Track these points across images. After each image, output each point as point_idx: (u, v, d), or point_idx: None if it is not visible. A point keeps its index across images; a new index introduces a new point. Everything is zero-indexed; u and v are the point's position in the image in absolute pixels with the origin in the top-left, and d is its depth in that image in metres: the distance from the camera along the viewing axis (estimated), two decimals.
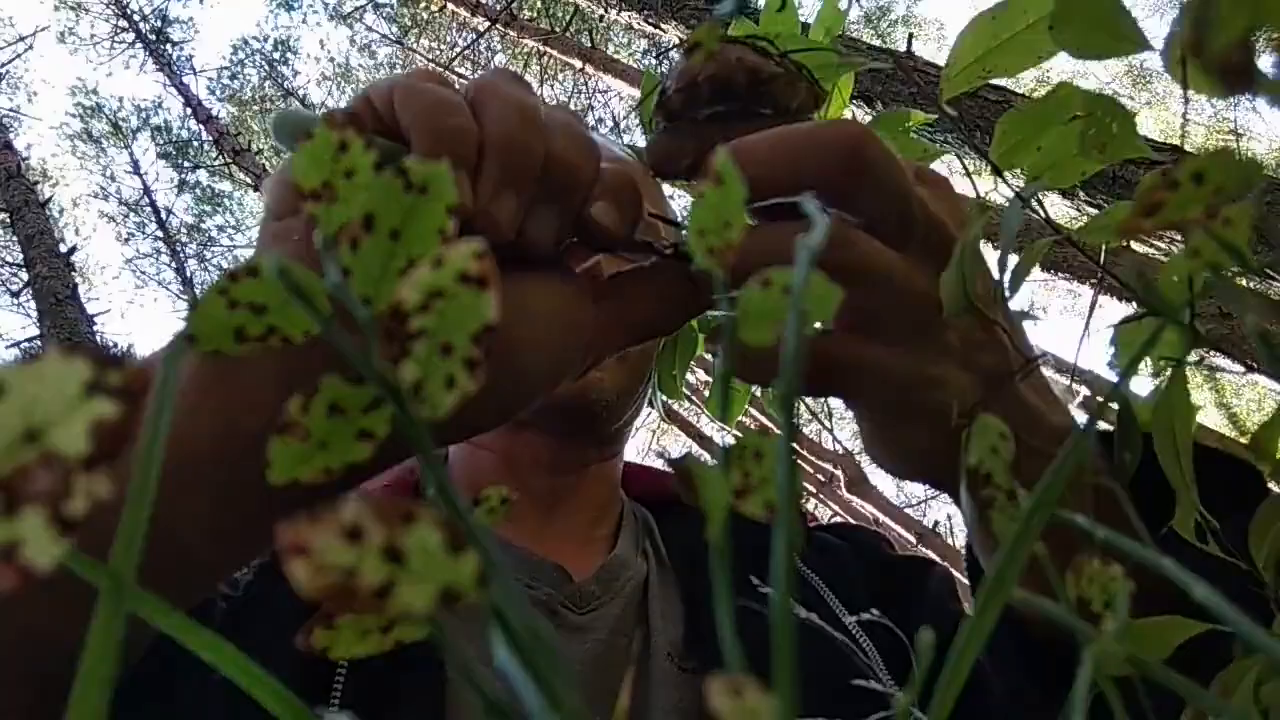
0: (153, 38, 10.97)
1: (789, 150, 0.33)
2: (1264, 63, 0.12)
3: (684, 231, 0.36)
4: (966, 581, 0.49)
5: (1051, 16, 0.45)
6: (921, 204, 0.35)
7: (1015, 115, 0.49)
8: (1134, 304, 0.57)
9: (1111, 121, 0.49)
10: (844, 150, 0.33)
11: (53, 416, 0.11)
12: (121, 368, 0.12)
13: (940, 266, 0.34)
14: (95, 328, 4.91)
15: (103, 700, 0.12)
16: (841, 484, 5.62)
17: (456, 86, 0.34)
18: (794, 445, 0.12)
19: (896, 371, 0.35)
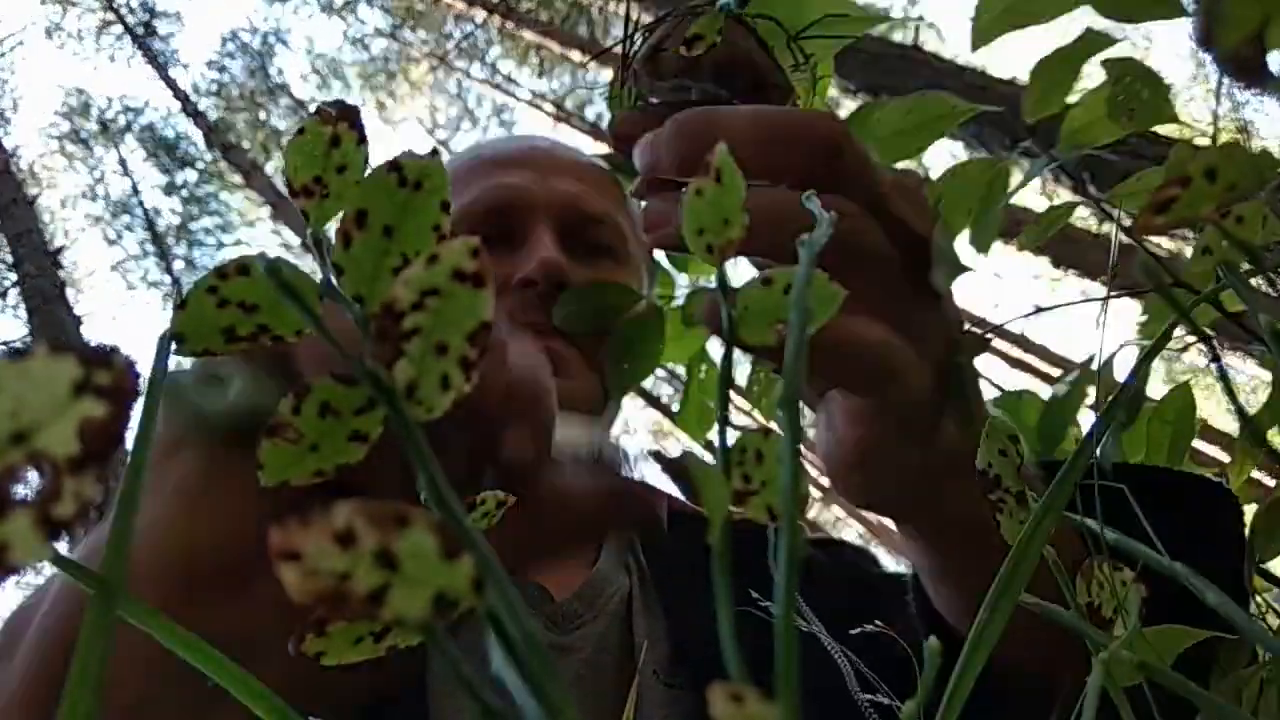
0: (140, 31, 10.92)
1: (769, 131, 0.32)
2: (1274, 59, 0.12)
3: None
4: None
5: None
6: (889, 212, 0.34)
7: (1044, 62, 0.48)
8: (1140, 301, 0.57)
9: (1142, 87, 0.48)
10: (825, 143, 0.32)
11: (41, 416, 0.11)
12: (110, 367, 0.11)
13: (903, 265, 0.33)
14: (81, 328, 4.89)
15: (93, 701, 0.12)
16: None
17: None
18: (799, 447, 0.12)
19: (877, 343, 0.33)
